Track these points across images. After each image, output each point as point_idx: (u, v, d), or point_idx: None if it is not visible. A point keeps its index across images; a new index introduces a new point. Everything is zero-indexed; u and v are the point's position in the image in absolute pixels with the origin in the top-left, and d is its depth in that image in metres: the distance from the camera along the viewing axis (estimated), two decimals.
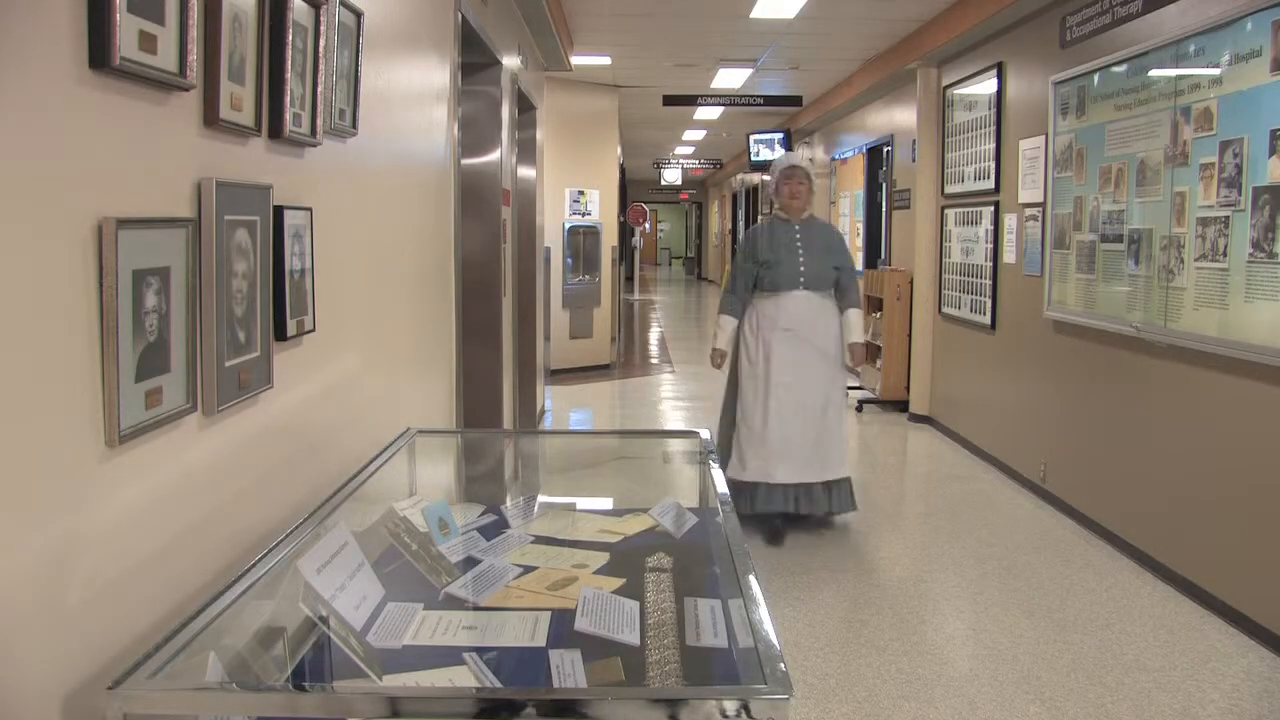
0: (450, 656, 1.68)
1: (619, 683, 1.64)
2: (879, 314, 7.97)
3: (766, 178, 5.13)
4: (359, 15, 2.41)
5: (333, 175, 2.32)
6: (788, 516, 4.70)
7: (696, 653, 1.74)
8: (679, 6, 6.71)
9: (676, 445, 3.15)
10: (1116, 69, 4.57)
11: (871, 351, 7.81)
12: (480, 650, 1.70)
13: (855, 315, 4.78)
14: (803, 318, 4.68)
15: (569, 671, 1.63)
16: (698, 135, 16.01)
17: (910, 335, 7.68)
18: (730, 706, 1.25)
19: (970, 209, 6.62)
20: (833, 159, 10.95)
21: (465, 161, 4.50)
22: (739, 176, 19.67)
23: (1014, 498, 5.47)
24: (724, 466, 4.47)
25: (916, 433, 7.30)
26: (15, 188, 1.21)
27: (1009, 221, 6.01)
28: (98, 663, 1.37)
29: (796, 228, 4.75)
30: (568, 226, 9.86)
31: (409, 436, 2.67)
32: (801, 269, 4.67)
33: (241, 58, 1.76)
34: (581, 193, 9.97)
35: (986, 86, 6.30)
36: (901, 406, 7.86)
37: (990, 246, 6.26)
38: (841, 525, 4.89)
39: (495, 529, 2.38)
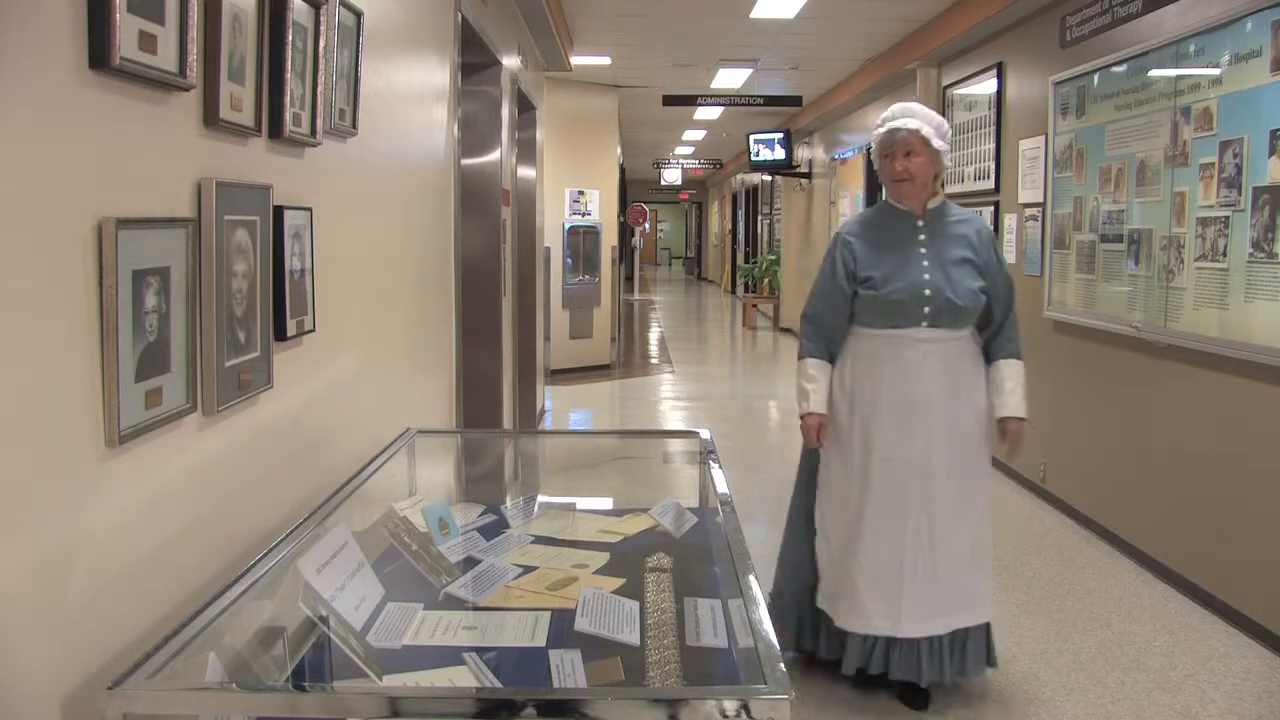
0: (450, 656, 1.68)
1: (619, 683, 1.64)
2: None
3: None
4: (359, 15, 2.41)
5: (333, 175, 2.32)
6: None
7: (696, 653, 1.74)
8: (679, 6, 6.71)
9: (676, 445, 3.15)
10: (1116, 69, 4.57)
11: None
12: (480, 650, 1.70)
13: (1014, 371, 2.98)
14: (929, 378, 2.90)
15: (569, 671, 1.63)
16: (698, 135, 16.01)
17: None
18: (730, 706, 1.25)
19: (970, 209, 6.61)
20: (833, 159, 10.95)
21: (465, 161, 4.50)
22: (739, 176, 19.67)
23: (1014, 498, 5.47)
24: (783, 591, 3.18)
25: None
26: (15, 188, 1.21)
27: (1009, 221, 6.01)
28: (98, 663, 1.37)
29: (919, 223, 2.95)
30: (568, 226, 9.86)
31: (409, 436, 2.67)
32: (927, 293, 2.86)
33: (241, 58, 1.76)
34: (581, 193, 9.97)
35: (986, 86, 6.30)
36: None
37: None
38: None
39: (495, 529, 2.38)
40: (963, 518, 2.95)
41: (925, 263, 2.89)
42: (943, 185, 3.05)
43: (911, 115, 2.88)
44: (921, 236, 2.94)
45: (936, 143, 2.86)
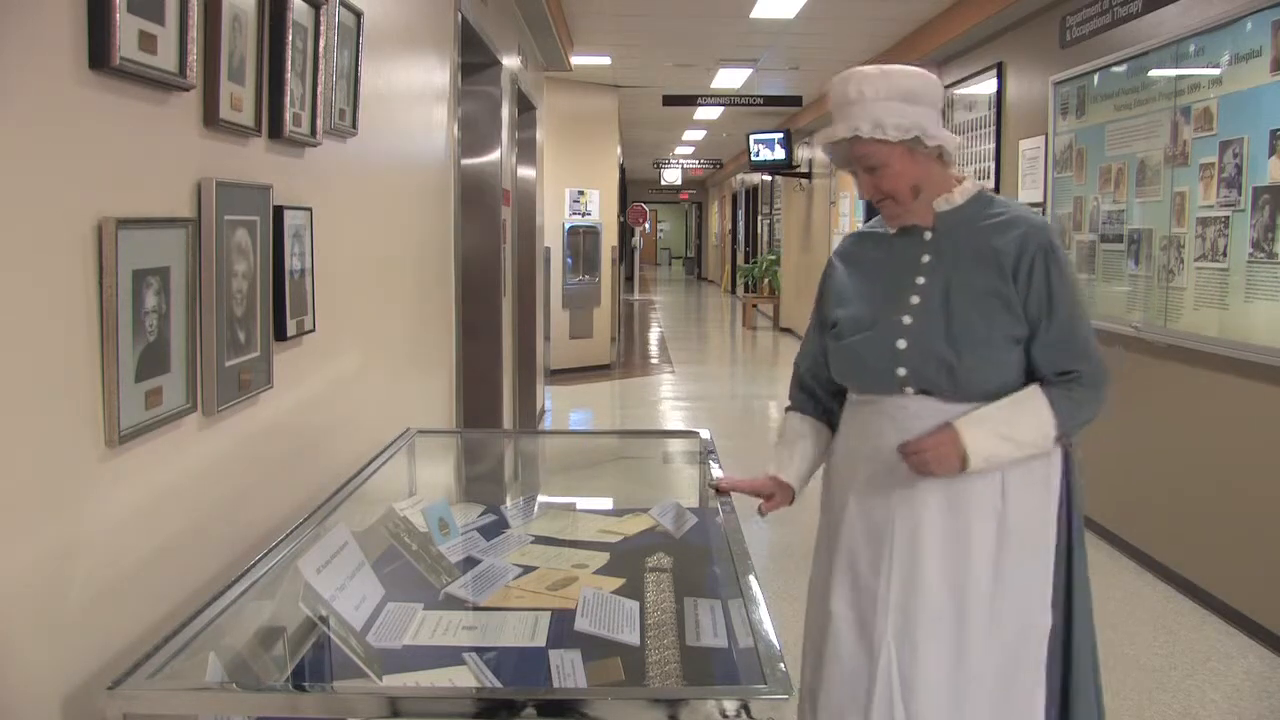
0: (450, 656, 1.68)
1: (619, 683, 1.64)
2: None
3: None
4: (359, 15, 2.41)
5: (333, 175, 2.32)
6: None
7: (696, 653, 1.73)
8: (679, 6, 6.71)
9: (676, 445, 3.14)
10: (1116, 69, 4.57)
11: None
12: (480, 650, 1.70)
13: (1030, 400, 1.88)
14: (910, 494, 1.93)
15: (569, 671, 1.63)
16: (698, 135, 16.01)
17: None
18: (730, 706, 1.25)
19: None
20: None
21: (465, 161, 4.50)
22: (739, 176, 19.67)
23: None
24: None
25: None
26: (15, 188, 1.21)
27: None
28: (98, 663, 1.37)
29: (927, 235, 1.97)
30: (568, 226, 9.86)
31: (409, 436, 2.67)
32: (902, 344, 1.92)
33: (241, 58, 1.76)
34: (581, 193, 9.97)
35: (986, 86, 6.30)
36: None
37: None
38: None
39: (495, 529, 2.38)
40: (1012, 681, 1.91)
41: (915, 298, 1.93)
42: (955, 168, 2.00)
43: (851, 107, 1.87)
44: (926, 258, 1.95)
45: (898, 134, 1.84)
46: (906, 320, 1.93)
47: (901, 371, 1.91)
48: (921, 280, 1.95)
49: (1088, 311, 1.97)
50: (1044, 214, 5.38)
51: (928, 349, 1.89)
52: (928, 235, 1.97)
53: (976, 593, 1.89)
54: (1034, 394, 1.88)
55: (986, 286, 1.89)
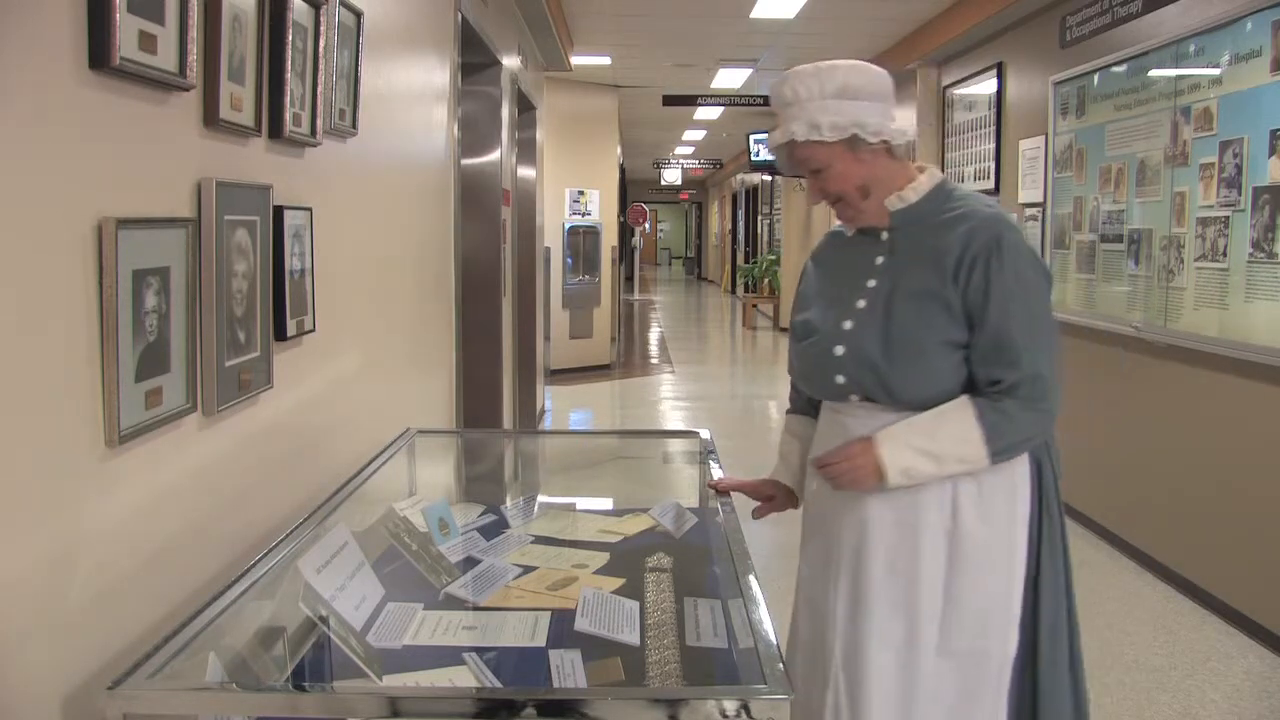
0: (450, 656, 1.68)
1: (619, 683, 1.64)
2: None
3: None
4: (359, 15, 2.41)
5: (333, 175, 2.32)
6: None
7: (696, 653, 1.73)
8: (679, 6, 6.71)
9: (676, 445, 3.14)
10: (1116, 69, 4.57)
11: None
12: (480, 650, 1.70)
13: (956, 413, 1.76)
14: (856, 504, 1.86)
15: (569, 671, 1.63)
16: (698, 135, 16.01)
17: None
18: (730, 706, 1.25)
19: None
20: None
21: (465, 161, 4.50)
22: (739, 176, 19.67)
23: None
24: None
25: None
26: (15, 187, 1.21)
27: None
28: (98, 663, 1.37)
29: (883, 235, 1.89)
30: (568, 226, 9.86)
31: (409, 436, 2.67)
32: (839, 351, 1.86)
33: (241, 58, 1.76)
34: (581, 193, 9.97)
35: (986, 86, 6.30)
36: None
37: None
38: None
39: (495, 529, 2.38)
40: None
41: (861, 301, 1.85)
42: (913, 161, 1.91)
43: (788, 109, 1.81)
44: (880, 259, 1.87)
45: (835, 135, 1.76)
46: (847, 325, 1.85)
47: (840, 379, 1.84)
48: (872, 283, 1.86)
49: (1042, 318, 1.79)
50: (1044, 214, 5.37)
51: (861, 355, 1.81)
52: (884, 235, 1.88)
53: (927, 615, 1.79)
54: (960, 405, 1.76)
55: (926, 288, 1.79)
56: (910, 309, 1.79)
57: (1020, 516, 1.82)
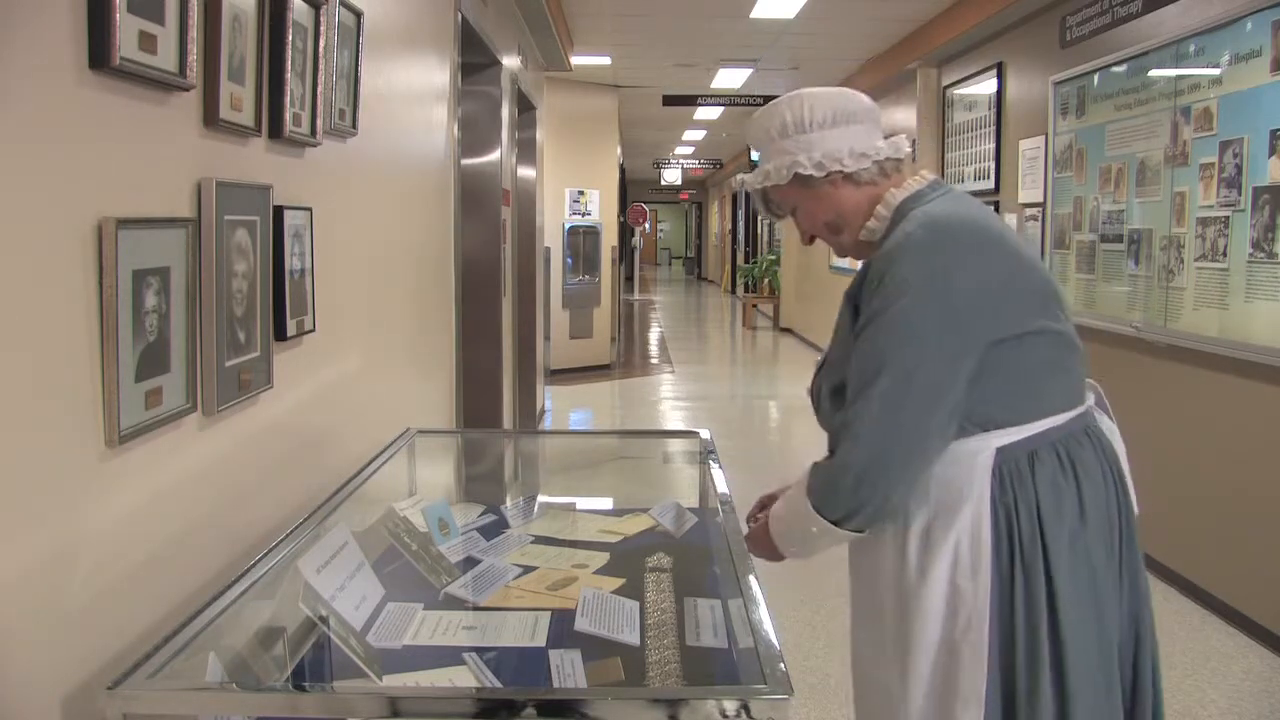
0: (450, 656, 1.68)
1: (619, 683, 1.64)
2: None
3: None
4: (359, 15, 2.41)
5: (333, 175, 2.32)
6: None
7: (696, 653, 1.73)
8: (679, 6, 6.71)
9: (676, 445, 3.14)
10: (1116, 69, 4.57)
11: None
12: (480, 650, 1.70)
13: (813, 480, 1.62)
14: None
15: (569, 671, 1.63)
16: (698, 135, 16.01)
17: None
18: (730, 706, 1.25)
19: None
20: None
21: (465, 161, 4.50)
22: (739, 176, 19.60)
23: None
24: None
25: None
26: (15, 188, 1.21)
27: (1009, 221, 6.01)
28: (98, 663, 1.37)
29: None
30: (568, 226, 9.86)
31: (409, 436, 2.67)
32: (809, 386, 1.81)
33: (241, 58, 1.76)
34: (581, 193, 9.97)
35: (986, 86, 6.30)
36: None
37: None
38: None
39: (495, 529, 2.38)
40: None
41: (828, 345, 1.76)
42: (909, 170, 1.76)
43: (759, 155, 1.78)
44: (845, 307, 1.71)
45: (779, 177, 1.69)
46: (819, 360, 1.76)
47: (817, 415, 1.74)
48: (847, 318, 1.68)
49: (887, 356, 1.51)
50: (1044, 214, 5.37)
51: (816, 400, 1.73)
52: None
53: (894, 675, 1.62)
54: (812, 465, 1.62)
55: (844, 326, 1.65)
56: (838, 349, 1.66)
57: (978, 578, 1.53)
